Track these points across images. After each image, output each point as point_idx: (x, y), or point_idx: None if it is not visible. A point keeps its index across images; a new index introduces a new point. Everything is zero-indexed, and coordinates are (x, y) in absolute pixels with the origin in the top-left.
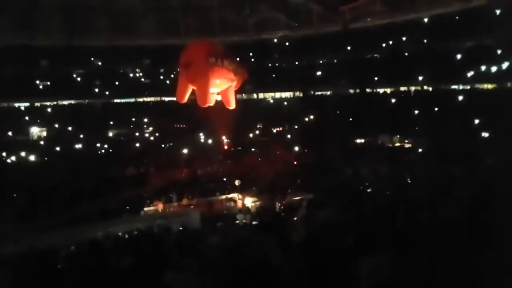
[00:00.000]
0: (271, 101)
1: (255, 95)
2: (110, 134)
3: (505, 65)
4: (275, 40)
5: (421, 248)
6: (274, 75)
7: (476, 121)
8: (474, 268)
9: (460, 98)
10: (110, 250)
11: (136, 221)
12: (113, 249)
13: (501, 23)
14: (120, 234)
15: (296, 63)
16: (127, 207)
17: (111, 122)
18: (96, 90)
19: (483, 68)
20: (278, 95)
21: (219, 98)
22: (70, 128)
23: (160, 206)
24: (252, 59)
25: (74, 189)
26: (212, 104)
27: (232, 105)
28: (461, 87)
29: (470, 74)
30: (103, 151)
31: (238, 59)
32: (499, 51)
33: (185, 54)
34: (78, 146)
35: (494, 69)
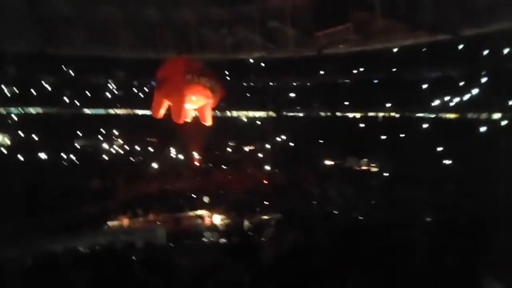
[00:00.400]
0: (245, 119)
1: (228, 113)
2: (77, 145)
3: (466, 96)
4: (251, 61)
5: (388, 267)
6: (248, 95)
7: (439, 149)
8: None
9: (425, 126)
10: (68, 265)
11: (99, 236)
12: (72, 264)
13: (463, 57)
14: (81, 248)
15: (271, 84)
16: (90, 221)
17: (79, 133)
18: (66, 99)
19: (447, 98)
20: (251, 114)
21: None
22: (35, 137)
23: (125, 221)
24: (228, 78)
25: (35, 199)
26: (189, 120)
27: (209, 122)
28: (426, 115)
29: (434, 103)
30: (69, 162)
31: (215, 77)
32: (461, 83)
33: (162, 69)
34: (43, 156)
35: (457, 100)
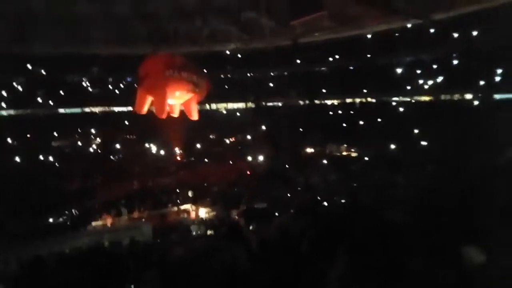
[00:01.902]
0: (224, 112)
1: (207, 106)
2: (54, 145)
3: (439, 79)
4: (228, 52)
5: (370, 249)
6: (227, 86)
7: (415, 131)
8: (417, 267)
9: (401, 109)
10: (54, 268)
11: (83, 237)
12: (58, 267)
13: (435, 41)
14: (66, 250)
15: (249, 74)
16: (73, 222)
17: (55, 133)
18: (39, 99)
19: (421, 81)
20: (230, 105)
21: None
22: (9, 140)
23: (109, 220)
24: (205, 70)
25: (14, 204)
26: (176, 115)
27: (195, 116)
28: (401, 99)
29: (409, 87)
30: (46, 163)
31: (199, 71)
32: (434, 66)
33: (144, 65)
34: (19, 159)
35: (430, 82)
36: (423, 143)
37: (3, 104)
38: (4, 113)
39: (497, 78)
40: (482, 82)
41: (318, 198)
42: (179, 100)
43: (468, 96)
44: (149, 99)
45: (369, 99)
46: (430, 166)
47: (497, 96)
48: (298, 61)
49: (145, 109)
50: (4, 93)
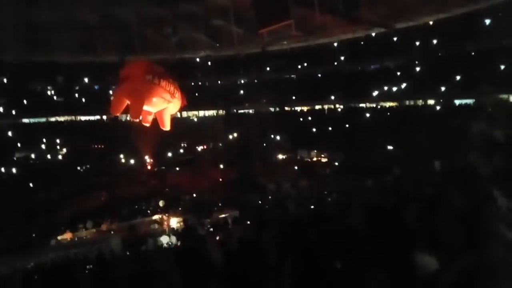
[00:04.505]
0: (195, 119)
1: (178, 114)
2: (17, 157)
3: (403, 85)
4: (198, 60)
5: (336, 256)
6: (197, 94)
7: (382, 136)
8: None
9: (367, 114)
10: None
11: (48, 252)
12: (23, 284)
13: (399, 49)
14: (29, 266)
15: (219, 82)
16: (38, 237)
17: (19, 144)
18: (1, 109)
19: (386, 88)
20: (201, 113)
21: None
22: None
23: (75, 234)
24: (175, 78)
25: None
26: (148, 124)
27: (167, 127)
28: (368, 105)
29: (375, 93)
30: (9, 176)
31: (176, 84)
32: (398, 73)
33: (125, 69)
34: None
35: (395, 89)
36: (389, 147)
37: None
38: None
39: (457, 84)
40: (443, 88)
41: (289, 204)
42: (154, 108)
43: (431, 102)
44: (125, 102)
45: (337, 105)
46: (397, 169)
47: (457, 101)
48: (268, 69)
49: (120, 112)
50: None
